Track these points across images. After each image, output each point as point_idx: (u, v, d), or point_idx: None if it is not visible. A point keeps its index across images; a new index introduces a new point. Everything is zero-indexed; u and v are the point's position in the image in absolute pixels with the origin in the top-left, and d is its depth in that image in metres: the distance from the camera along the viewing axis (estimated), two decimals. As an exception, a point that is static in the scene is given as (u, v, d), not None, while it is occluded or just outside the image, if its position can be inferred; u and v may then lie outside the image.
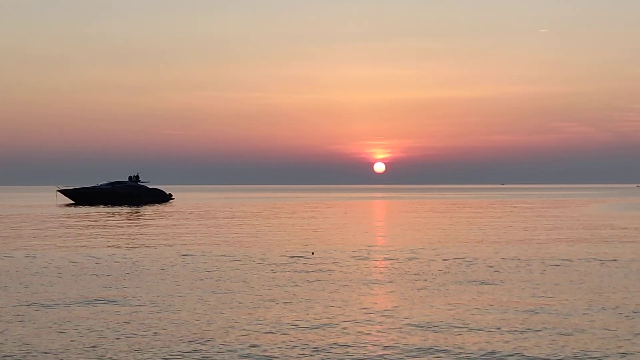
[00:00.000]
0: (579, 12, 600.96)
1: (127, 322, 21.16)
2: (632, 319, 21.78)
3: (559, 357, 17.30)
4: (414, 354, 17.66)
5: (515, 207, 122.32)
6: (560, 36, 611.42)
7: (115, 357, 17.28)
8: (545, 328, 20.39)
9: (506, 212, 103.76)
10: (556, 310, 23.19)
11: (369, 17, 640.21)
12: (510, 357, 17.29)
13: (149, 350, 17.96)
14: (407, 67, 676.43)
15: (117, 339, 19.09)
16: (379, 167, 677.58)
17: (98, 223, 73.12)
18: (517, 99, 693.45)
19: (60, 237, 54.20)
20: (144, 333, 19.78)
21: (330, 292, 26.95)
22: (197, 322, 21.28)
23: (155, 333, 19.77)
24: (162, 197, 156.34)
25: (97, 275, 31.81)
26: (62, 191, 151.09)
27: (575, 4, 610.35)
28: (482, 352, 17.73)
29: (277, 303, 24.52)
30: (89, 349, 18.01)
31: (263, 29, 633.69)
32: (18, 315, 22.34)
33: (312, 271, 33.31)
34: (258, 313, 22.67)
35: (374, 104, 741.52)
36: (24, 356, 17.40)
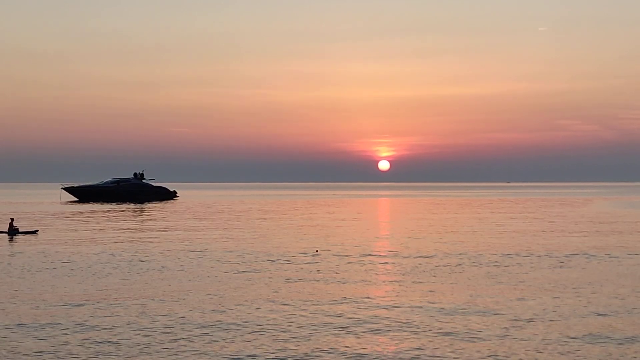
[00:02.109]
0: (583, 10, 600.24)
1: (134, 319, 21.36)
2: (633, 314, 21.91)
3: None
4: (414, 351, 17.81)
5: (523, 206, 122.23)
6: (564, 33, 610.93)
7: (128, 353, 17.43)
8: (552, 324, 20.54)
9: (514, 210, 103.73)
10: (559, 308, 23.30)
11: (374, 15, 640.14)
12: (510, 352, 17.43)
13: (159, 345, 18.11)
14: (412, 64, 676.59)
15: (129, 334, 19.24)
16: (384, 165, 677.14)
17: (103, 221, 73.22)
18: (521, 97, 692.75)
19: (66, 235, 54.31)
20: (154, 328, 19.94)
21: (332, 290, 27.03)
22: (201, 318, 21.43)
23: (164, 326, 19.94)
24: (167, 195, 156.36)
25: (103, 273, 31.92)
26: (66, 189, 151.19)
27: (579, 2, 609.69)
28: (485, 350, 17.84)
29: (279, 300, 24.67)
30: (102, 345, 18.17)
31: (268, 25, 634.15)
32: (31, 310, 22.52)
33: (316, 269, 33.41)
34: (261, 309, 22.83)
35: (379, 102, 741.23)
36: (33, 349, 17.58)
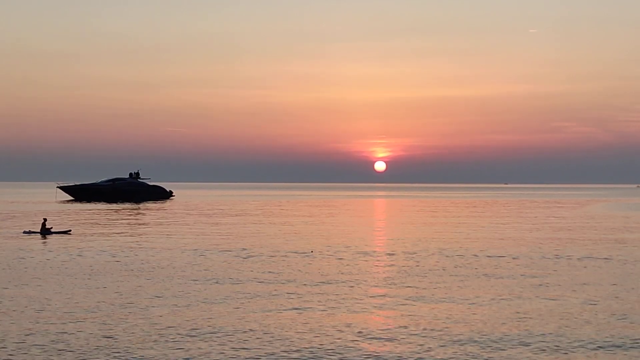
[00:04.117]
0: (581, 12, 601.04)
1: (134, 317, 21.20)
2: (627, 315, 21.78)
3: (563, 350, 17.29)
4: (410, 351, 17.64)
5: (520, 208, 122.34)
6: (562, 35, 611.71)
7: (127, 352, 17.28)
8: (550, 324, 20.40)
9: (511, 212, 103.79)
10: (560, 307, 23.17)
11: (372, 16, 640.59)
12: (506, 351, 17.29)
13: (162, 344, 17.94)
14: (410, 65, 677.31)
15: (128, 334, 19.08)
16: (380, 166, 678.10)
17: (100, 221, 73.09)
18: (519, 98, 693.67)
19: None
20: (154, 327, 19.77)
21: (327, 289, 26.89)
22: (200, 318, 21.29)
23: (168, 326, 19.80)
24: (163, 194, 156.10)
25: (102, 273, 31.79)
26: (62, 187, 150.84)
27: (577, 3, 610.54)
28: (482, 350, 17.69)
29: (272, 300, 24.51)
30: (102, 343, 18.02)
31: (267, 26, 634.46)
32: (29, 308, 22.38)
33: (311, 268, 33.26)
34: (254, 309, 22.69)
35: (376, 102, 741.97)
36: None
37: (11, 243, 45.86)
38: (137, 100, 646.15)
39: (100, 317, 21.33)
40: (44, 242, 46.54)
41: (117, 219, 74.21)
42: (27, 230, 55.07)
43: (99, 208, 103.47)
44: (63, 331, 19.50)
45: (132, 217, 79.86)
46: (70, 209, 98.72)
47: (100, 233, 55.01)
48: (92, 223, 67.34)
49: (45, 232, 52.71)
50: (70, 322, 20.60)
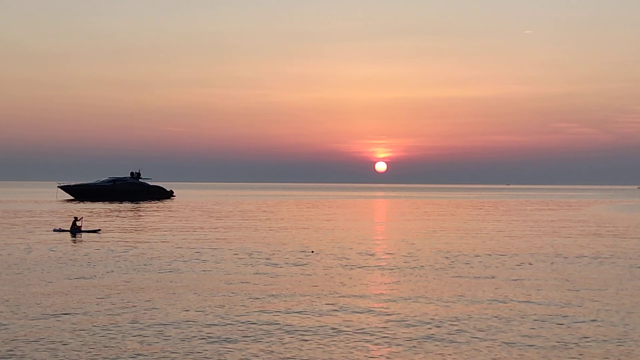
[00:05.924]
0: (581, 13, 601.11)
1: (134, 317, 21.17)
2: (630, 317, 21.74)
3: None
4: (407, 352, 17.58)
5: (523, 208, 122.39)
6: (562, 37, 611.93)
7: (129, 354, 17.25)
8: (550, 325, 20.35)
9: (516, 212, 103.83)
10: (559, 309, 23.12)
11: (371, 16, 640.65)
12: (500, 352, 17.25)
13: (161, 342, 17.90)
14: (410, 65, 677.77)
15: (127, 335, 19.06)
16: (381, 167, 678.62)
17: (116, 221, 73.06)
18: (519, 99, 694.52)
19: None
20: (153, 326, 19.73)
21: (326, 290, 26.84)
22: (197, 319, 21.25)
23: (165, 325, 19.73)
24: (163, 194, 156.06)
25: (104, 272, 31.78)
26: (62, 187, 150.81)
27: (578, 5, 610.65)
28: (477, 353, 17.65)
29: (273, 300, 24.45)
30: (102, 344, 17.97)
31: (265, 26, 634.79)
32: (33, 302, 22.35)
33: (311, 268, 33.23)
34: (256, 309, 22.63)
35: (376, 103, 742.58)
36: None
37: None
38: (135, 100, 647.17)
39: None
40: (75, 241, 46.65)
41: (131, 219, 74.14)
42: (57, 228, 55.16)
43: (105, 207, 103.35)
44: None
45: (144, 217, 79.84)
46: (72, 209, 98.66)
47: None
48: (108, 222, 67.22)
49: (75, 230, 52.72)
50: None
